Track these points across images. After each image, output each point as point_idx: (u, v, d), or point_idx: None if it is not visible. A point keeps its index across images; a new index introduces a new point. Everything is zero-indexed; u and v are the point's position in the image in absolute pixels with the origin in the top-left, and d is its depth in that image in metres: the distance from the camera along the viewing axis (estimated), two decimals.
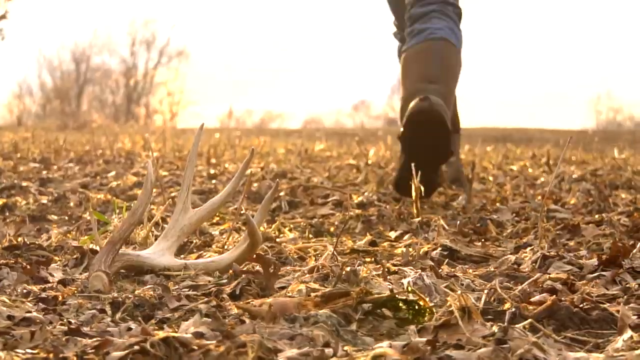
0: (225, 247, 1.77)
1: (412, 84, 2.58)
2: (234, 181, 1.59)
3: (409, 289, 1.20)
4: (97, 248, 1.66)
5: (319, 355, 0.94)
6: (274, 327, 1.06)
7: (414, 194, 2.23)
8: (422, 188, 2.30)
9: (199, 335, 1.02)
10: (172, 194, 2.61)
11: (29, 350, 0.96)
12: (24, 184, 3.14)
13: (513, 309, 1.18)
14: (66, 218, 2.32)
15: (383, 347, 0.97)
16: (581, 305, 1.21)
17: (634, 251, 1.61)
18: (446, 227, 2.08)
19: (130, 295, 1.26)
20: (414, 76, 2.61)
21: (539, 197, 2.80)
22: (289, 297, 1.24)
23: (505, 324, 1.09)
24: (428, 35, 2.64)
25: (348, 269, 1.38)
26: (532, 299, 1.25)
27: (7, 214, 2.40)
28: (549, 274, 1.46)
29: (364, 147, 5.25)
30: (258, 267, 1.46)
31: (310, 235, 2.02)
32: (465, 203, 2.55)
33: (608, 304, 1.23)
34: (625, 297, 1.30)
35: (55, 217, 2.34)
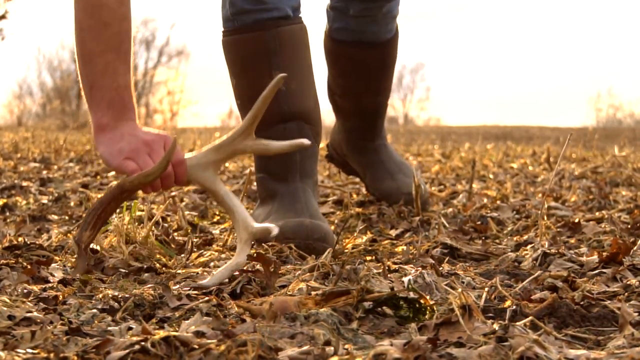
0: (226, 245, 1.77)
1: None
2: (258, 104, 1.43)
3: (410, 287, 1.20)
4: (97, 247, 1.66)
5: (319, 354, 0.94)
6: (274, 325, 1.07)
7: (414, 191, 2.23)
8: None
9: (199, 334, 1.02)
10: (172, 193, 2.61)
11: (29, 350, 0.96)
12: (24, 183, 3.14)
13: (514, 307, 1.19)
14: (67, 218, 2.31)
15: (384, 345, 0.97)
16: (582, 303, 1.21)
17: (635, 248, 1.61)
18: (446, 225, 2.08)
19: (130, 295, 1.26)
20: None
21: (540, 195, 2.80)
22: (290, 295, 1.24)
23: (506, 321, 1.09)
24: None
25: (348, 267, 1.38)
26: (533, 297, 1.25)
27: (8, 213, 2.39)
28: (550, 271, 1.46)
29: None
30: (258, 266, 1.46)
31: None
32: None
33: (609, 301, 1.23)
34: (626, 294, 1.31)
35: (55, 217, 2.33)
